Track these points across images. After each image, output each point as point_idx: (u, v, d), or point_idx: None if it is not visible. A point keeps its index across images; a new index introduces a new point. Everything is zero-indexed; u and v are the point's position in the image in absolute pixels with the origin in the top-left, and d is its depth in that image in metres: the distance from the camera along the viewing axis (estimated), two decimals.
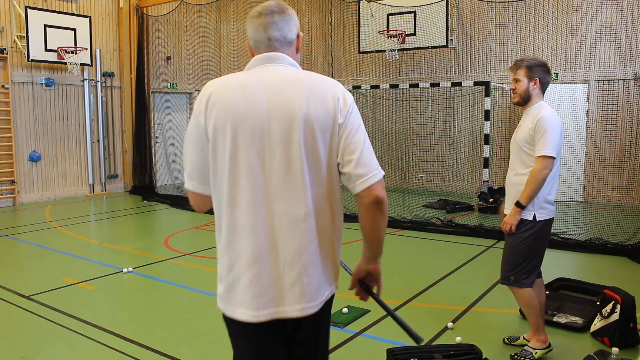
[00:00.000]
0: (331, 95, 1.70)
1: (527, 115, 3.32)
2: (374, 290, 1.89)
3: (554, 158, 3.16)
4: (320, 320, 1.81)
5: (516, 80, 3.33)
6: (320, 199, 1.70)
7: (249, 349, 1.75)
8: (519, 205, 3.22)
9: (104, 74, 11.05)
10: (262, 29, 1.74)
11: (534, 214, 3.25)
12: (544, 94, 3.36)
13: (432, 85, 10.37)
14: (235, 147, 1.64)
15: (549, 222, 3.33)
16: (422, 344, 2.23)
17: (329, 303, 1.82)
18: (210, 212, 1.80)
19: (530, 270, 3.32)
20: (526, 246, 3.28)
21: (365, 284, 1.88)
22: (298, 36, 1.80)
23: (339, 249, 1.82)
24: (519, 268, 3.31)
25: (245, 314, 1.67)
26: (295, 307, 1.69)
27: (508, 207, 3.39)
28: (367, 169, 1.67)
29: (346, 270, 2.05)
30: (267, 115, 1.64)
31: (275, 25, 1.74)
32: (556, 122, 3.20)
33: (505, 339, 3.65)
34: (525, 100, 3.33)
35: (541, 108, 3.26)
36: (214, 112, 1.66)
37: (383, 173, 1.72)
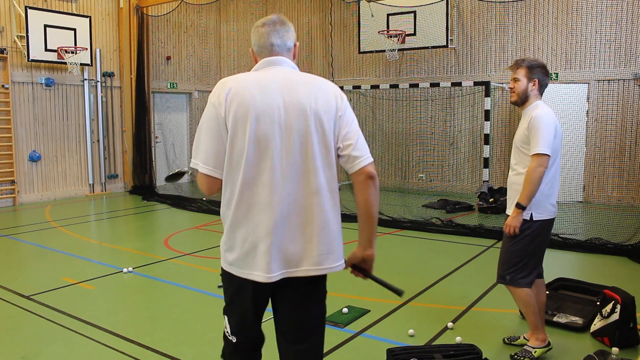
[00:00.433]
0: (332, 94, 2.04)
1: (524, 116, 3.33)
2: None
3: (548, 155, 3.15)
4: (322, 289, 2.13)
5: (515, 80, 3.33)
6: (330, 179, 2.02)
7: (243, 303, 2.07)
8: (519, 206, 3.21)
9: (104, 74, 11.05)
10: (266, 36, 2.05)
11: (531, 214, 3.24)
12: (541, 95, 3.36)
13: (432, 85, 10.37)
14: (256, 136, 1.92)
15: (548, 222, 3.32)
16: (422, 343, 2.24)
17: (325, 278, 2.12)
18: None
19: (528, 270, 3.30)
20: (522, 246, 3.27)
21: (360, 267, 2.14)
22: (295, 45, 2.13)
23: (340, 228, 2.08)
24: (515, 267, 3.30)
25: (261, 276, 1.96)
26: (302, 269, 2.00)
27: (509, 207, 3.38)
28: (362, 152, 2.02)
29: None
30: (284, 109, 1.95)
31: (277, 33, 2.05)
32: (549, 120, 3.18)
33: (505, 339, 3.65)
34: (522, 101, 3.34)
35: (536, 107, 3.26)
36: (234, 105, 1.93)
37: (372, 159, 2.05)
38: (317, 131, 1.96)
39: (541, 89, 3.33)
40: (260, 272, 1.96)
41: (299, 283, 2.03)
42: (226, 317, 2.16)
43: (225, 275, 2.10)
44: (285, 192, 1.95)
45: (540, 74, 3.30)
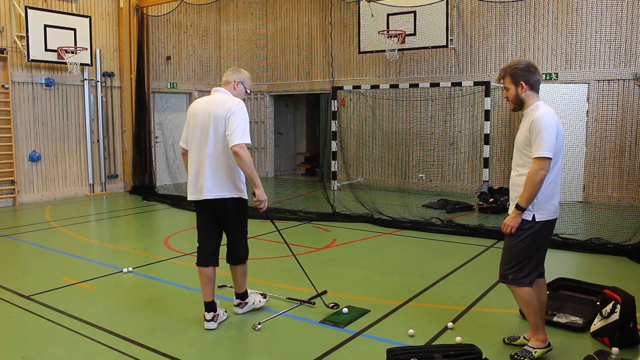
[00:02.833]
0: (227, 107, 3.79)
1: (525, 118, 3.33)
2: (262, 206, 3.95)
3: (550, 159, 3.15)
4: (228, 209, 3.91)
5: (506, 89, 3.36)
6: (219, 150, 3.82)
7: (197, 212, 4.03)
8: (518, 207, 3.22)
9: (104, 74, 11.05)
10: (223, 75, 4.08)
11: (534, 215, 3.24)
12: (538, 92, 3.35)
13: (432, 85, 10.37)
14: (192, 127, 3.91)
15: (550, 223, 3.32)
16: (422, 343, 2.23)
17: (234, 204, 3.90)
18: None
19: (530, 270, 3.31)
20: (524, 245, 3.28)
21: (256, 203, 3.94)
22: (235, 81, 3.99)
23: (232, 177, 3.85)
24: (517, 267, 3.30)
25: (191, 197, 3.92)
26: (202, 195, 3.83)
27: (511, 209, 3.38)
28: (234, 138, 3.69)
29: None
30: (203, 114, 3.86)
31: (227, 74, 4.04)
32: (550, 122, 3.17)
33: (505, 339, 3.65)
34: (519, 105, 3.35)
35: (536, 109, 3.25)
36: (190, 113, 3.96)
37: (245, 141, 3.70)
38: (213, 125, 3.78)
39: (533, 87, 3.31)
40: (191, 195, 3.91)
41: (218, 203, 3.85)
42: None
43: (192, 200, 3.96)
44: (198, 155, 3.85)
45: (524, 75, 3.29)
